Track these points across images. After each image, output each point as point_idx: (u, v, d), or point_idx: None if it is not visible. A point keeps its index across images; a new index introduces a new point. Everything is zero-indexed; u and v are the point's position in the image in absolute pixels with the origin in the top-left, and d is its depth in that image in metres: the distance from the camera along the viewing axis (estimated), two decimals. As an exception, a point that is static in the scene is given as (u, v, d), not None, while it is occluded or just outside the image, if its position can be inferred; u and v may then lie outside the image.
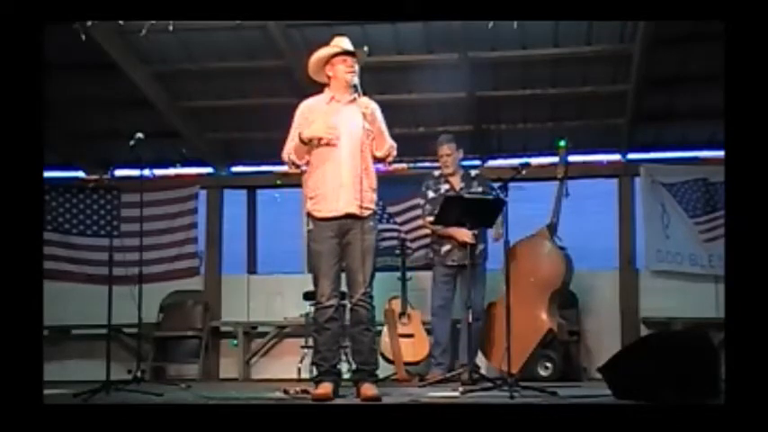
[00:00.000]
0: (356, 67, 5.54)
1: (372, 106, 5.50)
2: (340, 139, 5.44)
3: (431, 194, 7.43)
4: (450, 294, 7.43)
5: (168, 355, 8.90)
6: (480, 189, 7.33)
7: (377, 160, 5.59)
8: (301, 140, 5.47)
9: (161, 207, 8.11)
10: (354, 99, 5.50)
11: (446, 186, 7.41)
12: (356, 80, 5.50)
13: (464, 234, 6.93)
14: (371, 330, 5.61)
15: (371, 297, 5.53)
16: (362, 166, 5.46)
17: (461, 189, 7.35)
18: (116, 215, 8.84)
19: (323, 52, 5.59)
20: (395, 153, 5.59)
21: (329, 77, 5.62)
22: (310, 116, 5.56)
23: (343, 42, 5.61)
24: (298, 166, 5.57)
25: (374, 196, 5.59)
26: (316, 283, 5.54)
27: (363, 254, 5.40)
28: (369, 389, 5.44)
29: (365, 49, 5.67)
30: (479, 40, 7.83)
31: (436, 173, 7.53)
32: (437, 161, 7.57)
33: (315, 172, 5.52)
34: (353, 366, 5.75)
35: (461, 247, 7.09)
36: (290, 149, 5.55)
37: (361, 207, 5.40)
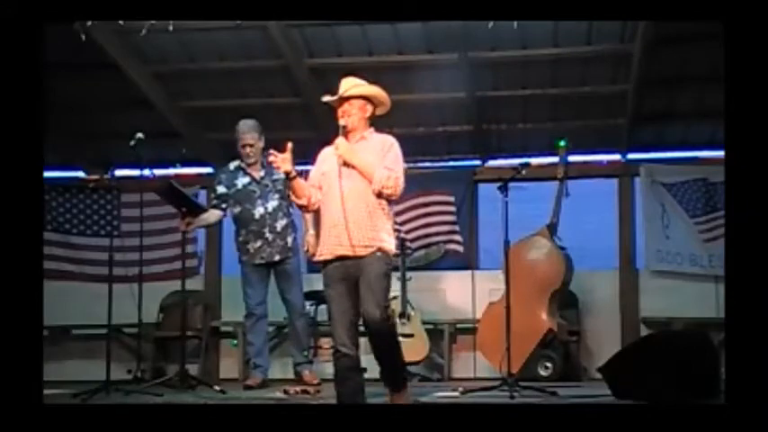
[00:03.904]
0: (352, 109, 5.08)
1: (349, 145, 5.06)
2: (334, 180, 5.00)
3: (221, 190, 7.05)
4: (264, 293, 7.10)
5: (168, 355, 8.90)
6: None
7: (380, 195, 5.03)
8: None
9: (161, 207, 8.11)
10: (363, 137, 5.12)
11: (245, 180, 7.00)
12: (343, 122, 5.07)
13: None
14: (393, 354, 5.08)
15: (385, 318, 4.96)
16: (365, 206, 4.97)
17: (263, 178, 6.96)
18: (116, 215, 8.84)
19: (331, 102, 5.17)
20: (389, 184, 4.97)
21: None
22: (321, 161, 5.22)
23: (342, 86, 5.18)
24: (305, 205, 5.18)
25: (379, 234, 4.97)
26: (332, 329, 5.08)
27: (369, 279, 4.91)
28: (400, 397, 5.09)
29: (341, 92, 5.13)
30: (479, 40, 7.83)
31: (232, 165, 7.08)
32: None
33: (320, 215, 5.18)
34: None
35: (270, 244, 6.93)
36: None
37: (354, 247, 4.90)
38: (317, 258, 5.11)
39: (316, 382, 6.94)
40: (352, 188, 4.97)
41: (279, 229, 7.00)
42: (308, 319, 7.34)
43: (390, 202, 5.11)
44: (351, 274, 4.95)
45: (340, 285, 4.96)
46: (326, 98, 5.14)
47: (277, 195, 6.98)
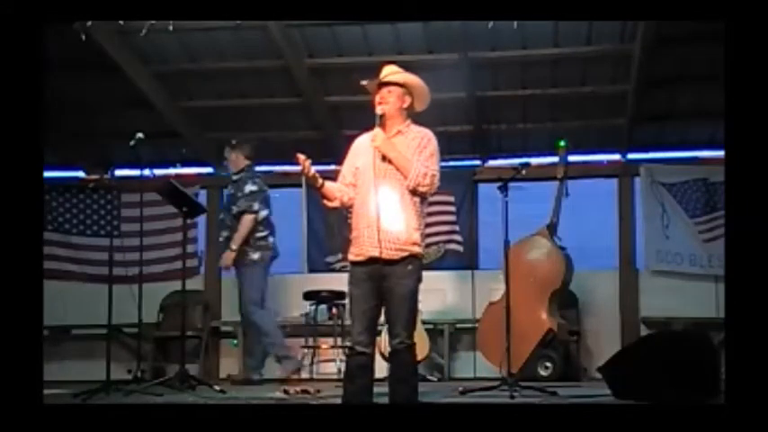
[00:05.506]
0: (390, 97, 4.85)
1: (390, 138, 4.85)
2: (367, 178, 4.81)
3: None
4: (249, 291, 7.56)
5: (168, 355, 8.90)
6: (248, 189, 7.44)
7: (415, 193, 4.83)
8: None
9: (161, 207, 8.11)
10: (399, 131, 4.87)
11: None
12: (379, 110, 4.83)
13: None
14: (408, 383, 4.77)
15: (408, 346, 4.72)
16: (400, 205, 4.77)
17: (232, 193, 7.60)
18: (116, 215, 8.85)
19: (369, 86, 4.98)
20: (426, 182, 4.80)
21: None
22: (354, 154, 5.00)
23: (382, 72, 4.98)
24: (337, 207, 5.03)
25: (411, 237, 4.75)
26: (351, 327, 4.93)
27: (398, 300, 4.72)
28: None
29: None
30: (479, 40, 7.83)
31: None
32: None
33: (354, 213, 4.96)
34: None
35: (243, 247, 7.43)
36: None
37: (387, 250, 4.69)
38: (350, 258, 4.86)
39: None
40: (388, 186, 4.77)
41: (221, 239, 7.65)
42: (259, 328, 7.59)
43: (424, 200, 4.91)
44: (378, 276, 4.73)
45: (365, 285, 4.77)
46: (365, 82, 4.96)
47: (223, 210, 7.68)
